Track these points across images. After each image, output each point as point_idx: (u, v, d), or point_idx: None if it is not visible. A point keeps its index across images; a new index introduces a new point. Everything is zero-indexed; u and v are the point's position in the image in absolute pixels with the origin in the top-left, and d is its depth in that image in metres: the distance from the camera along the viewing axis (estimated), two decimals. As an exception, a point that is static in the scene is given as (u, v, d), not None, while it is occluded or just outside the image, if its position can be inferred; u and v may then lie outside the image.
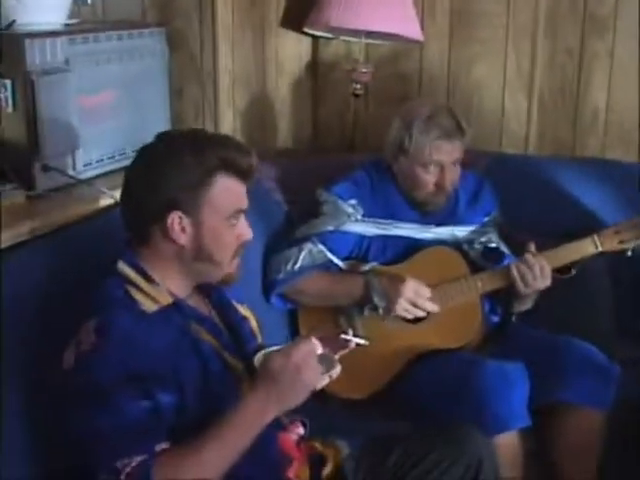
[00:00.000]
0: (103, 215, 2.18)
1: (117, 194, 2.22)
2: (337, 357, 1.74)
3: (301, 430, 1.91)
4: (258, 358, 1.74)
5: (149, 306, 1.71)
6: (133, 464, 1.52)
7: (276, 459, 1.80)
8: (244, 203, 1.79)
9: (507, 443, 2.19)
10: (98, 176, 2.37)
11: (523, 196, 2.90)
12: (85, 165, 2.33)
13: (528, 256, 2.36)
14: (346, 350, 1.77)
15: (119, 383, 1.56)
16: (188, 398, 1.65)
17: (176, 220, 1.71)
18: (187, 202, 1.71)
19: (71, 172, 2.25)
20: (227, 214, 1.74)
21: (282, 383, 1.61)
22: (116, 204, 2.22)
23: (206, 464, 1.57)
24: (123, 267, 1.75)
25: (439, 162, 2.42)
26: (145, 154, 1.79)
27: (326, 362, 1.75)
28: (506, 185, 2.81)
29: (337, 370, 1.74)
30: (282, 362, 1.62)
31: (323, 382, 1.81)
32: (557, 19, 3.08)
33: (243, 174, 1.76)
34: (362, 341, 1.79)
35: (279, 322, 2.53)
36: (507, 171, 2.93)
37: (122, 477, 1.51)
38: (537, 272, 2.35)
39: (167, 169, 1.70)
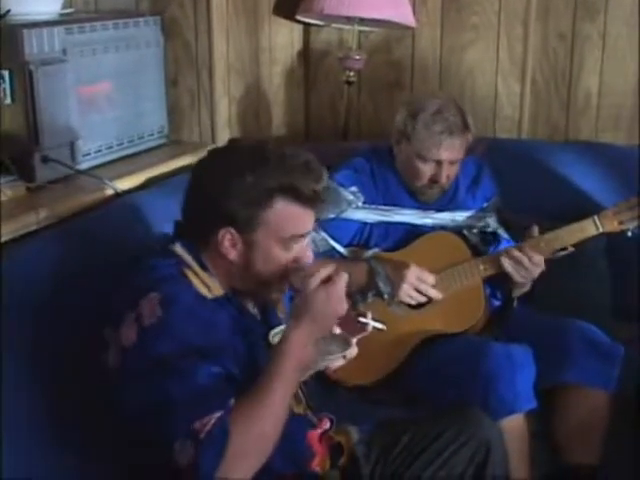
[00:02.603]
0: (105, 205, 2.17)
1: (118, 185, 2.24)
2: (354, 340, 1.75)
3: (327, 425, 1.92)
4: (274, 334, 1.76)
5: (205, 292, 1.71)
6: (212, 421, 1.52)
7: (304, 454, 1.82)
8: (304, 228, 1.75)
9: (514, 425, 2.20)
10: (97, 166, 2.36)
11: (518, 180, 2.90)
12: (84, 156, 2.31)
13: (523, 243, 2.37)
14: (364, 333, 1.78)
15: (188, 352, 1.57)
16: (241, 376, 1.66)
17: (227, 236, 1.70)
18: (242, 220, 1.69)
19: (70, 163, 2.23)
20: (283, 237, 1.72)
21: (314, 311, 1.64)
22: (117, 194, 2.23)
23: (274, 405, 1.58)
24: (180, 250, 1.74)
25: (438, 159, 2.43)
26: (213, 162, 1.77)
27: (342, 342, 1.75)
28: (501, 169, 2.82)
29: (353, 351, 1.75)
30: (312, 295, 1.65)
31: (338, 363, 1.82)
32: (549, 3, 3.08)
33: (306, 200, 1.72)
34: (380, 325, 1.79)
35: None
36: (501, 156, 2.92)
37: (202, 436, 1.50)
38: (527, 263, 2.36)
39: (228, 183, 1.69)
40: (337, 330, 1.79)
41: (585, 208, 2.65)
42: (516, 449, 2.18)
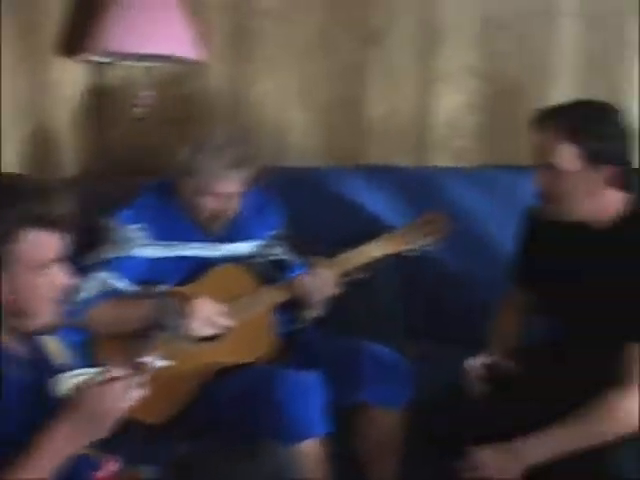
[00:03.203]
0: None
1: None
2: (140, 382, 1.73)
3: (114, 466, 1.88)
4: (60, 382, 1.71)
5: None
6: None
7: None
8: (56, 253, 1.70)
9: (309, 450, 2.23)
10: None
11: (311, 207, 2.96)
12: None
13: (313, 268, 2.42)
14: (148, 374, 1.76)
15: None
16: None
17: None
18: None
19: None
20: (37, 266, 1.67)
21: (85, 414, 1.60)
22: None
23: None
24: None
25: (221, 191, 2.44)
26: None
27: (128, 388, 1.73)
28: (293, 198, 2.86)
29: (140, 395, 1.72)
30: (85, 393, 1.61)
31: (126, 406, 1.79)
32: (332, 33, 3.17)
33: (52, 224, 1.68)
34: (163, 363, 1.78)
35: (74, 353, 2.47)
36: (293, 184, 2.98)
37: None
38: (321, 282, 2.40)
39: None
40: (121, 376, 1.76)
41: (377, 230, 2.71)
42: (313, 473, 2.22)
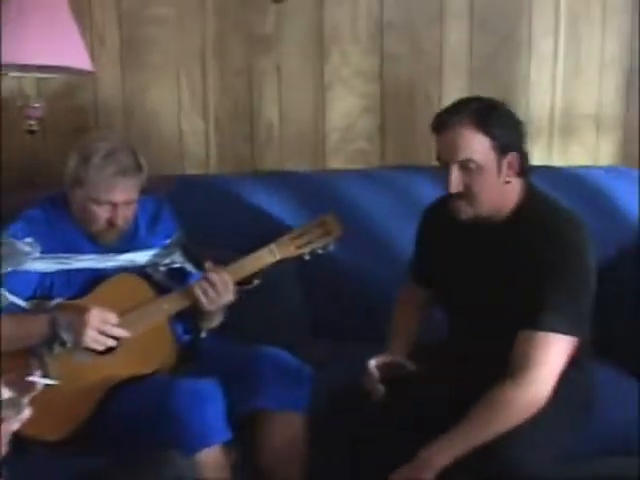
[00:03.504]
0: None
1: None
2: (26, 400, 1.70)
3: None
4: None
5: None
6: None
7: None
8: None
9: (210, 458, 2.22)
10: None
11: (210, 215, 2.95)
12: None
13: (209, 274, 2.41)
14: (35, 392, 1.73)
15: None
16: None
17: None
18: None
19: None
20: None
21: None
22: None
23: None
24: None
25: (112, 201, 2.41)
26: None
27: (14, 406, 1.69)
28: (192, 206, 2.86)
29: (27, 413, 1.69)
30: None
31: (14, 427, 1.76)
32: (224, 40, 3.17)
33: None
34: (50, 381, 1.75)
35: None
36: (191, 193, 2.98)
37: None
38: (219, 289, 2.40)
39: None
40: (6, 394, 1.72)
41: (276, 236, 2.71)
42: (216, 481, 2.21)
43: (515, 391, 2.09)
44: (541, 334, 2.10)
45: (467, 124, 2.16)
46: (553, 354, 2.11)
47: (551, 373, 2.12)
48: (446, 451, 2.07)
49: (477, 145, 2.16)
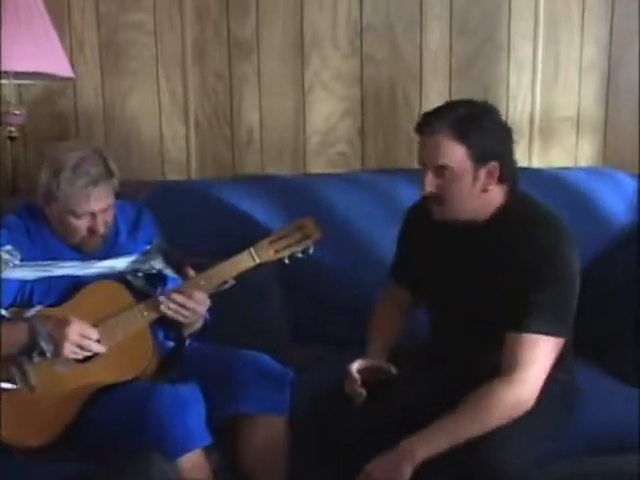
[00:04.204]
0: None
1: None
2: None
3: None
4: None
5: None
6: None
7: None
8: None
9: (192, 463, 2.22)
10: None
11: (190, 220, 2.95)
12: None
13: (175, 292, 2.41)
14: None
15: None
16: None
17: None
18: None
19: None
20: None
21: None
22: None
23: None
24: None
25: (89, 211, 2.40)
26: None
27: None
28: (172, 212, 2.86)
29: None
30: None
31: None
32: (204, 45, 3.18)
33: None
34: (7, 385, 1.75)
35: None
36: (172, 198, 2.98)
37: None
38: (190, 304, 2.40)
39: None
40: None
41: (257, 240, 2.71)
42: (198, 486, 2.21)
43: (504, 390, 2.10)
44: (528, 336, 2.12)
45: (445, 132, 2.18)
46: (540, 355, 2.13)
47: (539, 374, 2.13)
48: (428, 444, 2.06)
49: (453, 153, 2.18)
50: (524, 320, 2.12)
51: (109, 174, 2.41)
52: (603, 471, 2.27)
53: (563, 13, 3.45)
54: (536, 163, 3.52)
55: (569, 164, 3.54)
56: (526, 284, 2.13)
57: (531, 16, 3.43)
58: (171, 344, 2.59)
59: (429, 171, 2.22)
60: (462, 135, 2.17)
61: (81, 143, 2.65)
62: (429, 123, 2.21)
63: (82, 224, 2.42)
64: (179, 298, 2.40)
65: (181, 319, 2.42)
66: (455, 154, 2.17)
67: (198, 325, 2.54)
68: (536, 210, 2.28)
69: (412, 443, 2.07)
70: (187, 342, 2.56)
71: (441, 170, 2.20)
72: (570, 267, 2.19)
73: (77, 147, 2.49)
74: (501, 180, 2.23)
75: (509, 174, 2.25)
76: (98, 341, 2.36)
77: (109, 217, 2.46)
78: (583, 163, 3.57)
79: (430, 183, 2.22)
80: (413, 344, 2.50)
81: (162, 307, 2.41)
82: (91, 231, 2.43)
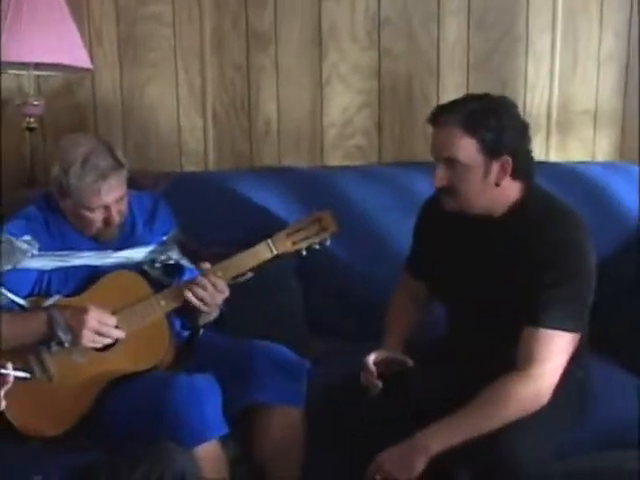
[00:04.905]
0: None
1: None
2: (1, 394, 1.71)
3: None
4: None
5: None
6: None
7: None
8: None
9: (208, 453, 2.23)
10: None
11: (207, 211, 2.95)
12: None
13: (200, 278, 2.42)
14: (7, 385, 1.74)
15: None
16: None
17: None
18: None
19: None
20: None
21: None
22: None
23: None
24: None
25: (103, 204, 2.42)
26: None
27: None
28: (190, 203, 2.86)
29: (2, 405, 1.71)
30: None
31: None
32: (222, 37, 3.18)
33: None
34: (21, 374, 1.77)
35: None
36: (189, 189, 2.98)
37: None
38: (211, 290, 2.41)
39: None
40: None
41: (274, 231, 2.72)
42: (214, 475, 2.22)
43: (520, 385, 2.11)
44: (544, 331, 2.12)
45: (457, 125, 2.18)
46: (556, 350, 2.13)
47: (555, 368, 2.14)
48: (443, 438, 2.07)
49: (463, 147, 2.18)
50: (540, 315, 2.12)
51: (118, 165, 2.41)
52: (617, 466, 2.27)
53: (581, 5, 3.44)
54: (554, 157, 3.51)
55: (586, 158, 3.54)
56: (542, 279, 2.13)
57: (549, 9, 3.42)
58: (187, 334, 2.60)
59: (440, 163, 2.23)
60: (473, 128, 2.17)
61: (88, 137, 2.65)
62: (441, 115, 2.22)
63: (97, 217, 2.43)
64: (200, 286, 2.41)
65: (203, 307, 2.43)
66: (465, 147, 2.18)
67: (214, 315, 2.55)
68: (552, 205, 2.28)
69: (426, 436, 2.08)
70: (201, 332, 2.57)
71: (452, 162, 2.20)
72: (586, 262, 2.18)
73: (84, 141, 2.48)
74: (515, 175, 2.23)
75: (524, 169, 2.25)
76: (116, 327, 2.38)
77: (123, 206, 2.48)
78: (600, 157, 3.57)
79: (441, 175, 2.23)
80: (429, 337, 2.51)
81: (186, 292, 2.41)
82: (107, 222, 2.45)
